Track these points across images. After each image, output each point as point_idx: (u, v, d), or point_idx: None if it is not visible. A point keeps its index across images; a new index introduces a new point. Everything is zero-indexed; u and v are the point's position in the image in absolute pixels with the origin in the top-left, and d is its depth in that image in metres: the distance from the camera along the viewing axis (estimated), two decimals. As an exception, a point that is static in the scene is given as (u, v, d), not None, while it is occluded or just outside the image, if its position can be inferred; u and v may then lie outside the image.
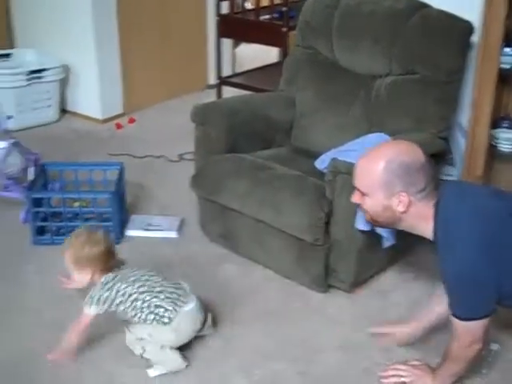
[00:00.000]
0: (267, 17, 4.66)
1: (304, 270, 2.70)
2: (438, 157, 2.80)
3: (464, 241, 1.88)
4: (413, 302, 2.64)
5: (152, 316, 2.20)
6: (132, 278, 2.25)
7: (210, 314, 2.44)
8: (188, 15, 5.22)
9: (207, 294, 2.63)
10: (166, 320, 2.20)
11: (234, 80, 4.83)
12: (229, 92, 4.61)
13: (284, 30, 4.21)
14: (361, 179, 2.02)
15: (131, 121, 4.74)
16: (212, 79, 5.36)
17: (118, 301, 2.21)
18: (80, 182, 3.33)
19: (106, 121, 4.72)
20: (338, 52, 3.15)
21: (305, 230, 2.57)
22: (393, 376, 2.22)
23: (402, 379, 2.20)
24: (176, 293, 2.27)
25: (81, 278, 2.26)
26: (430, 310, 2.33)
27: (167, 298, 2.23)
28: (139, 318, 2.21)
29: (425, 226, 1.98)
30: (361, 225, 2.45)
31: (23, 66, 4.64)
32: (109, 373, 2.27)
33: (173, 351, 2.26)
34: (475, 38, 2.88)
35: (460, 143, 3.20)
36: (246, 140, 3.07)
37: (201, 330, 2.35)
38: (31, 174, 3.26)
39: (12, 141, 3.22)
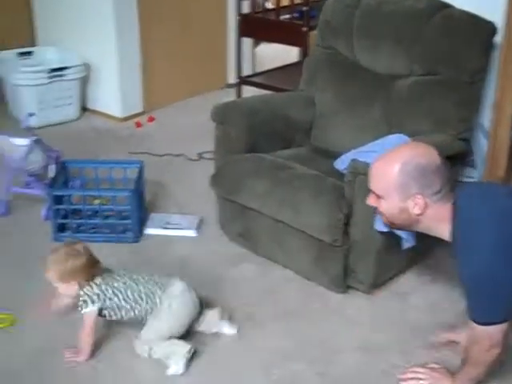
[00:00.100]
0: (288, 16, 4.66)
1: (323, 271, 2.70)
2: (458, 159, 2.78)
3: (482, 242, 1.86)
4: (432, 305, 2.63)
5: (144, 303, 2.31)
6: (118, 277, 2.36)
7: (219, 309, 2.47)
8: (208, 15, 5.22)
9: (226, 294, 2.64)
10: (157, 301, 2.32)
11: (254, 79, 4.83)
12: (248, 91, 4.62)
13: (304, 29, 4.21)
14: (376, 182, 2.02)
15: (150, 119, 4.75)
16: (232, 78, 5.35)
17: (109, 294, 2.30)
18: (100, 179, 3.35)
19: (125, 119, 4.74)
20: (359, 52, 3.14)
21: (324, 230, 2.57)
22: (411, 379, 2.20)
23: (421, 382, 2.18)
24: (161, 281, 2.39)
25: (68, 290, 2.32)
26: None
27: (155, 284, 2.36)
28: (132, 307, 2.31)
29: (442, 228, 1.97)
30: (380, 226, 2.43)
31: (44, 63, 4.68)
32: (126, 369, 2.29)
33: (177, 340, 2.29)
34: (498, 38, 2.86)
35: (482, 144, 3.17)
36: (265, 140, 3.07)
37: (198, 316, 2.40)
38: (52, 171, 3.28)
39: (34, 138, 3.24)
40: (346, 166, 2.58)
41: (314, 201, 2.62)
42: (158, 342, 2.28)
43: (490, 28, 2.81)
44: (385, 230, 2.43)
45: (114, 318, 2.36)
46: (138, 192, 3.16)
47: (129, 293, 2.32)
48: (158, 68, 4.90)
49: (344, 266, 2.64)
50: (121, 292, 2.32)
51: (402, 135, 2.69)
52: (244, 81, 4.80)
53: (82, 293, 2.29)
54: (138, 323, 2.35)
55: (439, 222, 1.97)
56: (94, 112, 4.86)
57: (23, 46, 4.87)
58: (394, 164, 1.94)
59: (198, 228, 3.21)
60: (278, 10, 4.58)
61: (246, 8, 4.72)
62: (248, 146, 3.01)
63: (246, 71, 5.05)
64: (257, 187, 2.79)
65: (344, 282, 2.69)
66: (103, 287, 2.30)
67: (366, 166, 2.39)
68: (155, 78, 4.89)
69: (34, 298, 2.49)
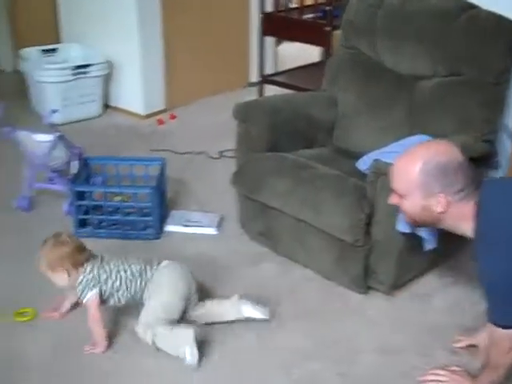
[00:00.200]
0: (311, 16, 4.66)
1: (343, 271, 2.69)
2: (482, 160, 2.76)
3: (503, 242, 1.85)
4: (452, 307, 2.61)
5: (138, 281, 2.38)
6: (109, 261, 2.43)
7: (237, 296, 2.47)
8: (231, 13, 5.23)
9: (246, 292, 2.64)
10: (149, 275, 2.40)
11: (276, 78, 4.84)
12: (270, 90, 4.63)
13: (327, 29, 4.20)
14: (398, 181, 2.02)
15: (172, 117, 4.77)
16: (254, 77, 5.36)
17: (103, 278, 2.37)
18: (121, 176, 3.37)
19: (147, 116, 4.77)
20: (382, 52, 3.12)
21: (345, 230, 2.56)
22: (432, 381, 2.19)
23: (441, 384, 2.18)
24: (151, 260, 2.47)
25: (59, 279, 2.37)
26: None
27: (146, 262, 2.44)
28: (128, 287, 2.38)
29: (465, 226, 1.97)
30: (402, 227, 2.43)
31: (68, 60, 4.72)
32: (146, 364, 2.30)
33: (177, 328, 2.31)
34: (524, 39, 2.83)
35: (506, 145, 3.15)
36: (287, 139, 3.07)
37: (192, 294, 2.43)
38: (75, 167, 3.30)
39: (57, 134, 3.27)
40: (368, 167, 2.58)
41: (335, 201, 2.61)
42: (159, 329, 2.29)
43: (515, 29, 2.79)
44: (407, 230, 2.42)
45: (111, 302, 2.41)
46: (160, 189, 3.17)
47: (122, 273, 2.38)
48: (181, 66, 4.92)
49: (365, 266, 2.63)
50: (114, 273, 2.39)
51: (424, 136, 2.67)
52: (266, 80, 4.80)
53: (77, 283, 2.35)
54: (137, 311, 2.39)
55: (462, 221, 1.97)
56: (116, 109, 4.89)
57: (49, 43, 4.92)
58: (414, 163, 1.95)
59: (219, 226, 3.22)
60: (302, 9, 4.59)
61: (269, 7, 4.73)
62: (270, 144, 3.01)
63: (269, 70, 5.05)
64: (278, 186, 2.79)
65: (364, 283, 2.68)
66: (95, 272, 2.36)
67: (388, 166, 2.38)
68: (177, 75, 4.91)
69: (54, 292, 2.51)
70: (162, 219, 3.20)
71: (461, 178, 1.93)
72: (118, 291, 2.38)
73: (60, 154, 3.29)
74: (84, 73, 4.55)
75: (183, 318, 2.40)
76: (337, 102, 3.23)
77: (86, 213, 3.15)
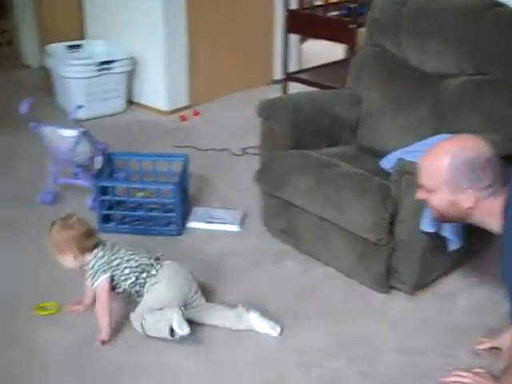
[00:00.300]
0: (336, 13, 4.65)
1: (366, 269, 2.68)
2: (510, 159, 2.73)
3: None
4: (475, 307, 2.59)
5: (144, 274, 2.40)
6: (120, 248, 2.46)
7: (258, 313, 2.44)
8: (256, 10, 5.22)
9: (267, 290, 2.64)
10: (153, 272, 2.41)
11: (300, 76, 4.83)
12: (294, 88, 4.62)
13: (352, 26, 4.18)
14: (426, 176, 2.01)
15: (195, 113, 4.78)
16: (278, 74, 5.35)
17: (115, 263, 2.39)
18: (144, 172, 3.39)
19: (171, 113, 4.79)
20: (407, 50, 3.10)
21: (368, 229, 2.55)
22: (454, 382, 2.17)
23: (464, 386, 2.16)
24: (157, 257, 2.49)
25: (66, 261, 2.41)
26: None
27: (150, 258, 2.46)
28: (138, 278, 2.39)
29: (493, 222, 1.95)
30: (426, 226, 2.41)
31: (93, 56, 4.76)
32: (165, 359, 2.31)
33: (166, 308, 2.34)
34: (552, 38, 2.80)
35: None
36: (311, 136, 3.06)
37: (192, 294, 2.44)
38: (99, 162, 3.33)
39: (82, 130, 3.29)
40: (393, 165, 2.56)
41: (359, 199, 2.60)
42: (147, 314, 2.33)
43: (543, 27, 2.75)
44: (431, 230, 2.40)
45: (120, 290, 2.43)
46: (183, 185, 3.18)
47: (132, 262, 2.41)
48: (204, 63, 4.93)
49: (387, 265, 2.61)
50: (125, 261, 2.41)
51: (448, 135, 2.65)
52: (290, 77, 4.79)
53: (89, 267, 2.37)
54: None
55: (490, 216, 1.95)
56: (140, 105, 4.91)
57: (73, 39, 4.96)
58: (443, 158, 1.94)
59: (241, 223, 3.22)
60: (326, 6, 4.58)
61: (293, 4, 4.72)
62: (293, 142, 3.00)
63: (293, 67, 5.04)
64: (301, 184, 2.79)
65: (386, 282, 2.67)
66: (107, 257, 2.39)
67: (413, 165, 2.37)
68: (201, 72, 4.92)
69: (77, 286, 2.53)
70: (185, 215, 3.21)
71: (489, 173, 1.91)
72: (126, 281, 2.40)
73: (84, 150, 3.31)
74: (108, 69, 4.58)
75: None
76: (361, 100, 3.21)
77: (110, 208, 3.17)
